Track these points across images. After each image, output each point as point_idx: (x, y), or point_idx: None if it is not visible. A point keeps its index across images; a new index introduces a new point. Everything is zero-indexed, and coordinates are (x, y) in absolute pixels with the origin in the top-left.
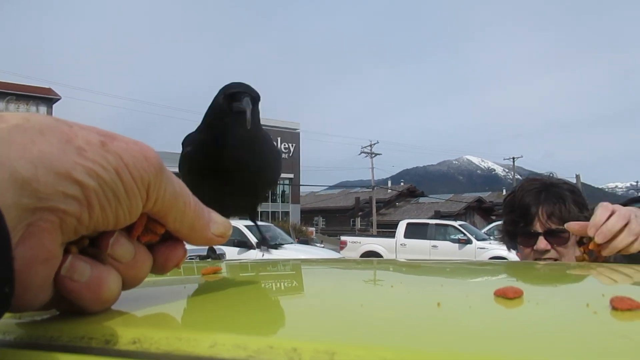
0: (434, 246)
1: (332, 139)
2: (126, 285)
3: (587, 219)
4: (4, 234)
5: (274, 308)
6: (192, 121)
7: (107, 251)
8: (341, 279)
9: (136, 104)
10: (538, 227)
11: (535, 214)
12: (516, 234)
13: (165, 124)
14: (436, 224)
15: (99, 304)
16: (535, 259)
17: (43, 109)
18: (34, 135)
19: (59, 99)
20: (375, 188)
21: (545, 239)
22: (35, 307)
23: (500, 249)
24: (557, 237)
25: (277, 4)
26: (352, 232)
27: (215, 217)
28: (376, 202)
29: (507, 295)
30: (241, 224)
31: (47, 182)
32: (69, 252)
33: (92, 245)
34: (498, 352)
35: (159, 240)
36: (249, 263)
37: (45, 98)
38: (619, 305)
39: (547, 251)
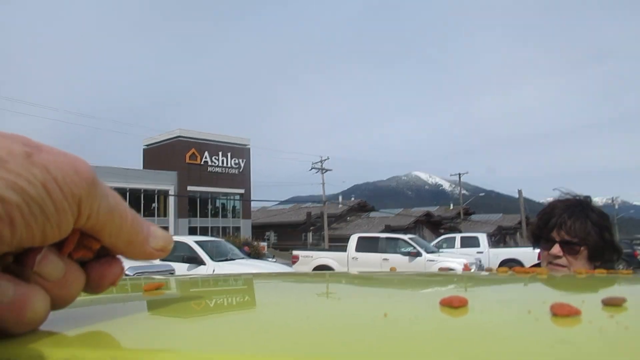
0: (385, 259)
1: (283, 154)
2: (55, 305)
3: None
4: None
5: (212, 325)
6: (133, 135)
7: (33, 269)
8: (287, 293)
9: (75, 117)
10: (556, 236)
11: (556, 224)
12: (540, 237)
13: (106, 137)
14: (387, 238)
15: (22, 326)
16: (549, 262)
17: None
18: None
19: None
20: (326, 203)
21: (560, 246)
22: None
23: (449, 261)
24: (569, 247)
25: (227, 17)
26: (304, 247)
27: (155, 230)
28: (328, 217)
29: (452, 304)
30: (191, 239)
31: None
32: None
33: (17, 262)
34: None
35: (94, 256)
36: (195, 279)
37: None
38: (559, 312)
39: (559, 257)
